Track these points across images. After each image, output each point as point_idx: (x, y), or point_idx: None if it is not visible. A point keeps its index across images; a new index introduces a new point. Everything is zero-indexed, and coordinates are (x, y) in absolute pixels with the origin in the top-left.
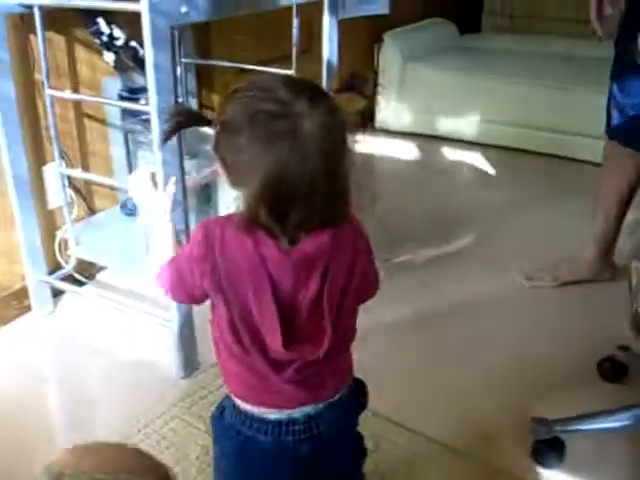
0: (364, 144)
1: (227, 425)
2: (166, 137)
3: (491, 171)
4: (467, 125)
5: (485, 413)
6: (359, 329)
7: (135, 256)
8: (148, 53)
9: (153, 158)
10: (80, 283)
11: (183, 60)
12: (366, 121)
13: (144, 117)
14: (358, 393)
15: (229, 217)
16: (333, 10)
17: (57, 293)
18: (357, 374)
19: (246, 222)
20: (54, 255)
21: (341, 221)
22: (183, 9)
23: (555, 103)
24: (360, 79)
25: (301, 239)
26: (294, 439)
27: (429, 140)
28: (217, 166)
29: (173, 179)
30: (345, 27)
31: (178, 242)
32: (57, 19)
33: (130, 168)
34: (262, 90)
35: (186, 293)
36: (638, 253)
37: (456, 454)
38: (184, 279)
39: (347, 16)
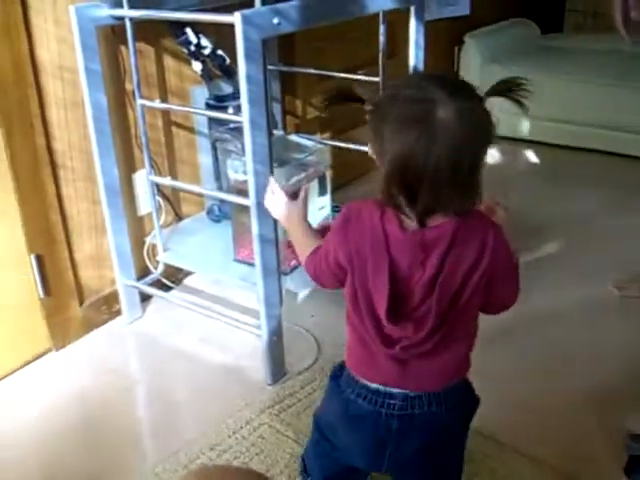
0: None
1: (338, 385)
2: (327, 105)
3: (572, 174)
4: (547, 126)
5: (578, 428)
6: None
7: (221, 262)
8: (241, 65)
9: (243, 167)
10: (168, 288)
11: (268, 67)
12: None
13: (232, 126)
14: (470, 397)
15: (371, 199)
16: (420, 16)
17: (145, 298)
18: None
19: (382, 201)
20: (143, 261)
21: (467, 213)
22: (275, 20)
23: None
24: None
25: (429, 223)
26: (387, 412)
27: (509, 142)
28: (369, 146)
29: (305, 187)
30: (427, 29)
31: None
32: (147, 30)
33: (217, 175)
34: (409, 79)
35: (331, 273)
36: None
37: (550, 470)
38: (329, 259)
39: (429, 19)
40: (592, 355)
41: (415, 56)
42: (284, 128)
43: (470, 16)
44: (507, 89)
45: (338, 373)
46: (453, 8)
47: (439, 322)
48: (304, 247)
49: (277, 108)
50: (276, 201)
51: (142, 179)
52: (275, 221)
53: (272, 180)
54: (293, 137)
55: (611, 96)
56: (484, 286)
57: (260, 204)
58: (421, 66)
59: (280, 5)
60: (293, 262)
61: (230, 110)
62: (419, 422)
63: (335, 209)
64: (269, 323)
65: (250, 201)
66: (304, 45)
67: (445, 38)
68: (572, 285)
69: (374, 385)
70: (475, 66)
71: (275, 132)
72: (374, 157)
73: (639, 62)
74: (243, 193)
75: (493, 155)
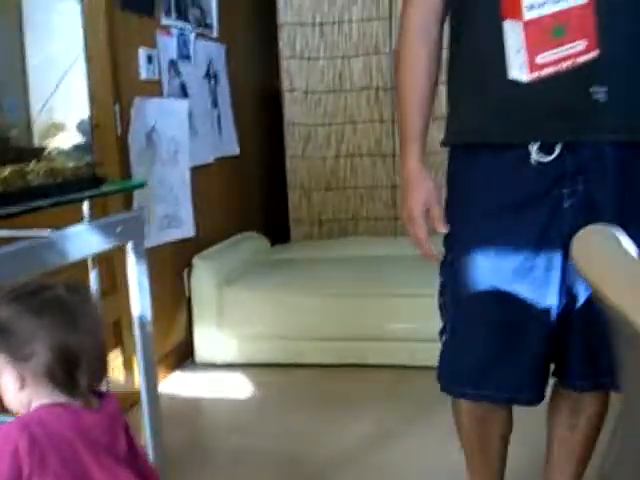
0: (184, 384)
1: None
2: None
3: (326, 392)
4: (293, 346)
5: None
6: None
7: None
8: None
9: None
10: None
11: None
12: (184, 356)
13: None
14: None
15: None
16: (140, 252)
17: None
18: None
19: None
20: None
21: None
22: None
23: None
24: None
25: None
26: None
27: (257, 369)
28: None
29: None
30: (150, 256)
31: None
32: None
33: None
34: (18, 285)
35: None
36: None
37: None
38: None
39: (150, 245)
40: None
41: (140, 299)
42: None
43: (198, 237)
44: None
45: None
46: (177, 230)
47: None
48: None
49: None
50: None
51: None
52: None
53: None
54: None
55: (346, 306)
56: None
57: None
58: (148, 311)
59: None
60: None
61: None
62: None
63: None
64: None
65: None
66: None
67: (171, 264)
68: None
69: None
70: (208, 290)
71: None
72: (15, 385)
73: (360, 268)
74: None
75: (239, 387)
